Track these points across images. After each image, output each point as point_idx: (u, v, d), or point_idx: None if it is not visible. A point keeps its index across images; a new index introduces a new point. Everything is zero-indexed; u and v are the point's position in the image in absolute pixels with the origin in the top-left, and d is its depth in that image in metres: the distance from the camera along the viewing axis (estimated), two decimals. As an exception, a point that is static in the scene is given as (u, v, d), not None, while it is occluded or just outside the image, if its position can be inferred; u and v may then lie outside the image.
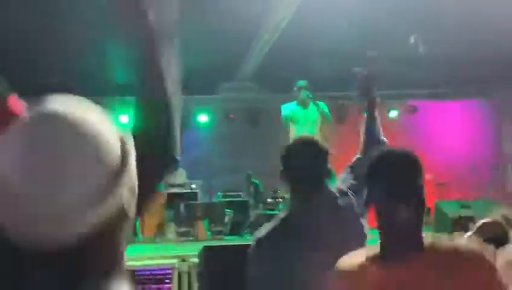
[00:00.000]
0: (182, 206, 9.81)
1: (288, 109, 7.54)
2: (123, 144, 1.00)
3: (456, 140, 13.49)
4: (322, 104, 7.50)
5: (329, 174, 2.65)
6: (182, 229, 9.42)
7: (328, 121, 7.53)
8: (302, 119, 7.42)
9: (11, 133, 0.92)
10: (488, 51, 9.79)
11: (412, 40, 8.89)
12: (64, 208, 0.86)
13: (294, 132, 7.36)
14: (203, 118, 12.99)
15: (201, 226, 9.63)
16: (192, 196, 10.74)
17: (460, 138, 13.53)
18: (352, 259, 1.89)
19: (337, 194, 2.61)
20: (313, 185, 2.59)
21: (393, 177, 1.81)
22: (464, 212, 5.59)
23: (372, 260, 1.84)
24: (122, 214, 0.94)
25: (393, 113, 13.40)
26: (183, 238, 9.13)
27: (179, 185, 10.85)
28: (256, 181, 11.86)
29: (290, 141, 2.79)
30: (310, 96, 7.42)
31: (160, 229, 9.38)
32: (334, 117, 12.99)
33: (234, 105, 12.73)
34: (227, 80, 12.20)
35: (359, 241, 2.46)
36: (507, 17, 8.41)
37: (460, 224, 5.27)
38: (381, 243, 1.84)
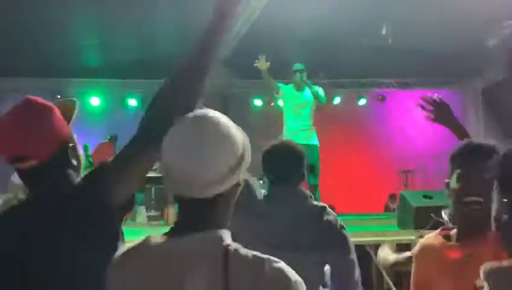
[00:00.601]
0: (152, 190, 9.84)
1: (284, 88, 7.58)
2: (244, 140, 1.49)
3: (423, 129, 13.76)
4: (315, 88, 7.49)
5: (303, 177, 2.80)
6: (152, 213, 9.45)
7: (322, 101, 7.57)
8: (295, 101, 7.43)
9: (174, 131, 1.44)
10: (456, 42, 9.98)
11: (383, 30, 9.02)
12: (210, 180, 1.39)
13: (287, 114, 7.47)
14: (174, 102, 13.02)
15: (172, 211, 9.69)
16: (161, 180, 10.75)
17: (427, 127, 13.78)
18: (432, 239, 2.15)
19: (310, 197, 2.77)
20: (287, 186, 2.74)
21: None
22: (427, 202, 5.76)
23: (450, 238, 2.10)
24: (237, 185, 1.47)
25: (362, 102, 13.58)
26: (153, 222, 9.15)
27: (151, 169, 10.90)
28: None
29: (273, 142, 2.89)
30: (304, 79, 7.37)
31: (130, 213, 9.41)
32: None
33: (206, 90, 12.75)
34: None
35: (323, 242, 2.62)
36: (475, 9, 8.61)
37: (422, 213, 5.47)
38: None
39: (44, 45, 9.92)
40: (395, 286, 5.64)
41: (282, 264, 1.38)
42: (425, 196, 5.95)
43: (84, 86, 12.37)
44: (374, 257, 6.01)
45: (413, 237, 4.94)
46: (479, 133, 13.75)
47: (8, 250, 1.67)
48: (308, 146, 6.83)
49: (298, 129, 7.30)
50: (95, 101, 12.60)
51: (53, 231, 1.66)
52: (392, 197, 11.28)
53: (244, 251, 1.39)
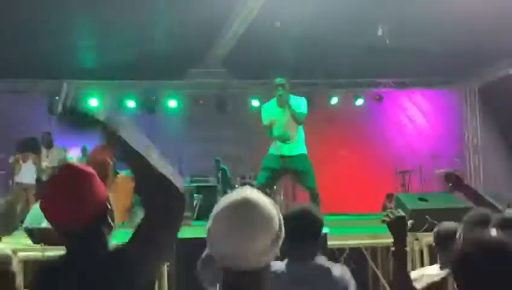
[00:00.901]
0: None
1: (267, 109, 7.21)
2: (279, 216, 1.69)
3: (420, 129, 13.82)
4: (294, 106, 7.00)
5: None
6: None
7: (299, 120, 7.00)
8: (279, 119, 7.07)
9: (220, 216, 1.65)
10: (453, 42, 10.04)
11: (380, 32, 9.07)
12: (257, 253, 1.61)
13: (273, 131, 7.12)
14: (172, 103, 13.04)
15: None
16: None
17: (424, 126, 13.84)
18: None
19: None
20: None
21: None
22: (422, 205, 5.81)
23: None
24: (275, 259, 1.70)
25: (359, 102, 13.61)
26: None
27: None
28: (225, 167, 11.99)
29: None
30: (285, 95, 6.95)
31: (129, 214, 9.41)
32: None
33: (203, 91, 12.78)
34: (196, 66, 12.24)
35: None
36: (471, 11, 8.67)
37: (417, 216, 5.53)
38: None
39: (43, 46, 9.95)
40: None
41: None
42: (420, 199, 6.01)
43: (82, 88, 12.39)
44: (369, 259, 6.05)
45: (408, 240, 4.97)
46: (476, 132, 13.83)
47: None
48: (297, 156, 6.96)
49: (285, 141, 7.14)
50: (93, 102, 12.62)
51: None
52: (389, 197, 11.31)
53: None
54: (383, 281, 5.80)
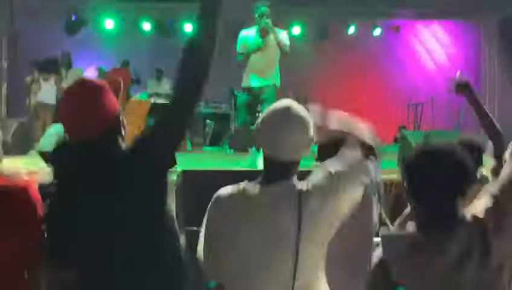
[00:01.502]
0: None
1: (245, 38, 6.94)
2: (312, 123, 2.18)
3: (436, 61, 13.68)
4: (280, 36, 6.82)
5: None
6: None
7: (286, 50, 6.79)
8: (259, 48, 6.85)
9: (268, 118, 2.14)
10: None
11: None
12: (298, 147, 2.12)
13: (251, 62, 6.96)
14: (188, 27, 12.94)
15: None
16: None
17: (440, 58, 13.71)
18: None
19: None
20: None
21: None
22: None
23: None
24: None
25: (377, 31, 13.45)
26: None
27: (164, 95, 10.98)
28: (238, 93, 12.00)
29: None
30: (270, 25, 6.73)
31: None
32: (315, 34, 13.03)
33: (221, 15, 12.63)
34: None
35: None
36: None
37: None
38: None
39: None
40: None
41: None
42: (426, 136, 6.05)
43: (99, 8, 12.30)
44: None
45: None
46: (493, 65, 13.68)
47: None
48: (274, 86, 6.94)
49: (264, 69, 6.92)
50: (109, 23, 12.57)
51: (108, 187, 1.97)
52: (402, 128, 11.34)
53: (308, 190, 2.05)
54: (384, 215, 5.87)
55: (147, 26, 12.77)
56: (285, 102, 2.17)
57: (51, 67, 9.80)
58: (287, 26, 12.13)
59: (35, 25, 11.69)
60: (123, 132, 2.09)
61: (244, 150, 7.38)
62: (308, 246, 2.02)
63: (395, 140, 11.43)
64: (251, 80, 6.97)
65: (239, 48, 6.98)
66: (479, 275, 1.83)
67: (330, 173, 2.10)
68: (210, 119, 10.93)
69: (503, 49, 13.36)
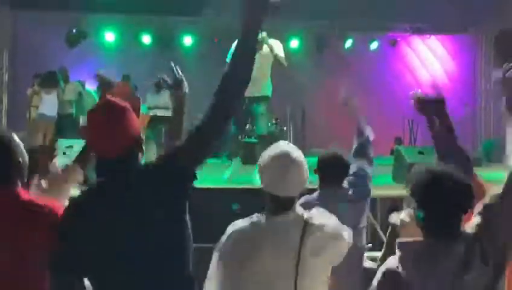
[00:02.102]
0: (163, 130, 10.03)
1: None
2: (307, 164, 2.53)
3: (433, 75, 13.79)
4: (275, 43, 6.87)
5: None
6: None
7: (283, 63, 6.86)
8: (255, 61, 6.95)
9: (271, 160, 2.48)
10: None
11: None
12: (299, 185, 2.49)
13: None
14: (187, 40, 13.08)
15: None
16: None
17: (437, 72, 13.82)
18: None
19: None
20: None
21: None
22: (421, 159, 5.95)
23: None
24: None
25: (374, 45, 13.59)
26: None
27: (163, 108, 11.05)
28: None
29: None
30: (265, 38, 6.78)
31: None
32: (313, 46, 13.16)
33: (219, 28, 12.74)
34: (213, 3, 12.19)
35: None
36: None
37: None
38: None
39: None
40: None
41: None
42: (420, 152, 6.15)
43: (100, 21, 12.43)
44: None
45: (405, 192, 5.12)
46: (489, 79, 13.81)
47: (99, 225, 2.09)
48: (266, 97, 7.00)
49: (255, 80, 6.94)
50: (109, 36, 12.70)
51: (138, 201, 2.12)
52: (398, 140, 11.46)
53: (315, 220, 2.43)
54: (379, 232, 5.89)
55: (146, 39, 12.90)
56: (283, 146, 2.53)
57: (52, 80, 9.87)
58: (285, 39, 12.27)
59: (36, 37, 11.80)
60: (143, 148, 2.24)
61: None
62: (310, 261, 2.37)
63: (392, 152, 11.53)
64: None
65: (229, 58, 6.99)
66: (479, 280, 2.11)
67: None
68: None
69: (499, 64, 13.48)
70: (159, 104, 11.11)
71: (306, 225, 2.40)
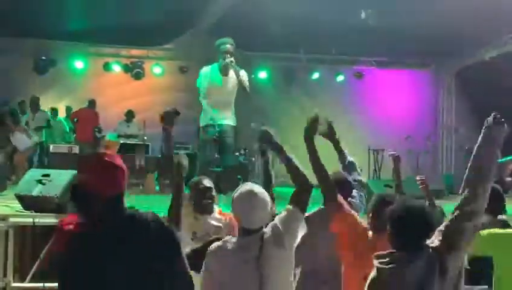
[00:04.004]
0: (136, 160, 10.09)
1: (206, 75, 6.90)
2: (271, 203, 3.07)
3: (396, 108, 14.06)
4: (241, 78, 6.84)
5: None
6: (132, 181, 9.60)
7: (246, 88, 6.84)
8: (219, 86, 6.87)
9: (239, 198, 2.96)
10: (433, 24, 10.25)
11: (363, 15, 9.26)
12: (264, 219, 2.97)
13: (211, 100, 6.92)
14: (157, 70, 13.16)
15: (151, 180, 9.89)
16: (144, 148, 10.92)
17: (401, 106, 14.09)
18: None
19: None
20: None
21: None
22: (388, 191, 6.14)
23: None
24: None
25: (340, 78, 13.87)
26: (132, 190, 9.15)
27: (132, 136, 11.07)
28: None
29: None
30: (233, 63, 6.75)
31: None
32: (282, 78, 13.40)
33: (188, 57, 12.84)
34: (182, 33, 12.33)
35: None
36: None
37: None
38: None
39: (31, 6, 9.98)
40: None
41: None
42: (386, 185, 6.35)
43: (69, 49, 12.46)
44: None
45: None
46: (450, 114, 14.19)
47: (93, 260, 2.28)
48: (234, 127, 7.07)
49: (222, 108, 6.96)
50: (79, 64, 12.70)
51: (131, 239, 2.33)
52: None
53: (269, 237, 2.92)
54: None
55: (116, 67, 12.92)
56: (250, 186, 2.98)
57: (8, 121, 9.42)
58: (254, 71, 12.47)
59: (4, 64, 11.75)
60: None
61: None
62: (272, 251, 2.89)
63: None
64: (210, 118, 6.94)
65: (199, 84, 6.98)
66: (439, 286, 2.60)
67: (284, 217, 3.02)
68: (178, 160, 10.97)
69: (460, 98, 13.90)
70: (129, 132, 11.21)
71: (263, 240, 2.91)
